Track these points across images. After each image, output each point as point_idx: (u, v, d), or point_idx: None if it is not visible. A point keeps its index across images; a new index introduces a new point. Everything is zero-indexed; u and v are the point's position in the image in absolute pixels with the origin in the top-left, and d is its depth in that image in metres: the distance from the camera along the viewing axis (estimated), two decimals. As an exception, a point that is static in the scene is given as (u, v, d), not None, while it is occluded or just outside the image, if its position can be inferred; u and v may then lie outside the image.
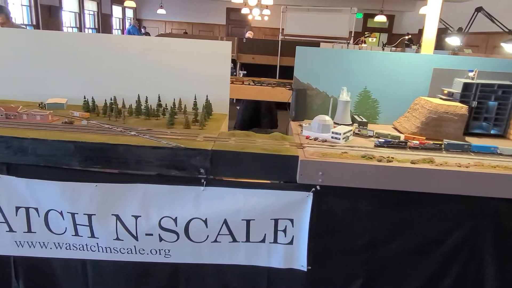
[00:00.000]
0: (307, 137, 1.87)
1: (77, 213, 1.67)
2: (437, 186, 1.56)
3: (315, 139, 1.85)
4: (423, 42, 2.48)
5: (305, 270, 1.71)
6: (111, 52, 2.30)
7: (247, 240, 1.70)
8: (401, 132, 2.08)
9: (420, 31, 15.67)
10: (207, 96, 2.18)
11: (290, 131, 2.22)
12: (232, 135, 1.81)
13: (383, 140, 1.79)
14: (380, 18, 12.88)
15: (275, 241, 1.70)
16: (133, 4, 14.55)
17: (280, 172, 1.62)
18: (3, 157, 1.63)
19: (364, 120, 2.13)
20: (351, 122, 2.16)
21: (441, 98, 2.11)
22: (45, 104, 2.13)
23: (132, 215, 1.67)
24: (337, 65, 2.24)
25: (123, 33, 17.34)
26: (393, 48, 6.03)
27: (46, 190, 1.65)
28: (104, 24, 15.88)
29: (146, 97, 2.09)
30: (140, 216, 1.67)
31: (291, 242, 1.69)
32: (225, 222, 1.65)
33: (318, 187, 1.59)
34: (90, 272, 1.80)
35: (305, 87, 2.25)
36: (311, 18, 9.72)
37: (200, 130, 1.89)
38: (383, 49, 5.90)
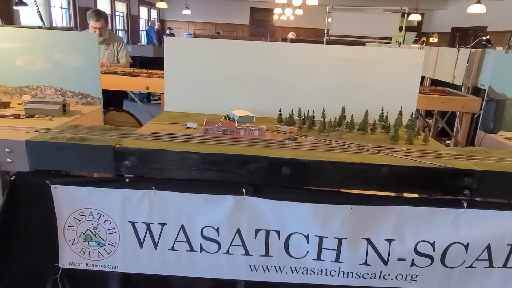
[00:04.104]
0: (542, 153, 1.76)
1: (327, 237, 1.57)
2: None
3: (553, 155, 1.74)
4: None
5: None
6: (287, 61, 2.21)
7: (504, 265, 1.59)
8: None
9: (454, 30, 15.44)
10: (401, 108, 2.07)
11: (484, 143, 2.11)
12: (470, 152, 1.70)
13: None
14: (415, 17, 12.69)
15: (535, 266, 1.59)
16: (165, 5, 14.47)
17: (550, 193, 1.51)
18: (250, 177, 1.54)
19: None
20: (552, 134, 2.04)
21: None
22: (236, 117, 2.03)
23: (385, 239, 1.57)
24: (535, 73, 2.12)
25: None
26: (472, 50, 5.87)
27: (295, 212, 1.55)
28: (132, 25, 15.90)
29: (367, 110, 1.98)
30: (394, 240, 1.56)
31: (553, 267, 1.58)
32: (488, 247, 1.54)
33: None
34: (323, 297, 1.70)
35: (501, 97, 2.14)
36: (358, 18, 9.57)
37: (424, 146, 1.78)
38: (458, 51, 5.75)
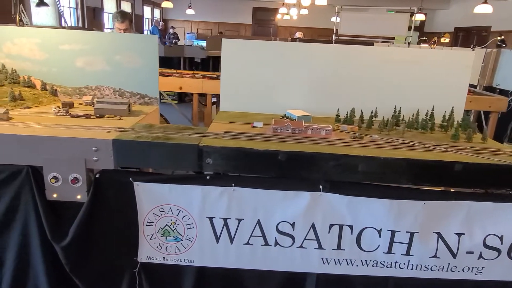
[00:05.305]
0: None
1: (399, 231, 1.65)
2: None
3: None
4: None
5: None
6: (338, 62, 2.28)
7: None
8: None
9: (457, 30, 15.53)
10: (452, 107, 2.14)
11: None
12: (530, 150, 1.78)
13: None
14: (419, 17, 12.78)
15: None
16: (171, 5, 14.50)
17: None
18: (327, 174, 1.61)
19: None
20: None
21: None
22: (295, 117, 2.10)
23: (455, 233, 1.64)
24: None
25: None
26: (488, 50, 5.96)
27: (369, 207, 1.63)
28: (136, 25, 15.90)
29: (418, 110, 2.06)
30: (464, 233, 1.64)
31: None
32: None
33: None
34: (390, 289, 1.78)
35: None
36: (367, 18, 9.65)
37: (484, 144, 1.86)
38: (473, 50, 5.84)
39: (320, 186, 1.62)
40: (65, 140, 1.59)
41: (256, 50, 2.27)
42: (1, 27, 2.25)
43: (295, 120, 2.09)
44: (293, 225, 1.68)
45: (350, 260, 1.72)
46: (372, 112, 2.06)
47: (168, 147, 1.59)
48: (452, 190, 1.66)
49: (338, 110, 2.10)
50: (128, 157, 1.61)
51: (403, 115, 2.14)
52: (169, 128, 1.79)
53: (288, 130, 1.84)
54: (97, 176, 1.64)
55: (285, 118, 2.14)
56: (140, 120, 1.98)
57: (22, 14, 4.27)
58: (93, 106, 2.13)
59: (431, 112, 2.18)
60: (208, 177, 1.64)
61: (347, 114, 2.06)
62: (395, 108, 2.17)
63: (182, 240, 1.73)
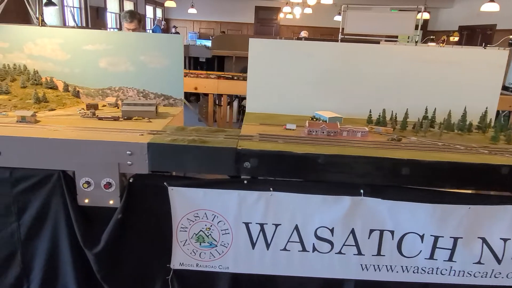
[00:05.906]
0: None
1: (443, 236, 1.60)
2: None
3: None
4: None
5: None
6: (366, 62, 2.23)
7: None
8: None
9: (461, 28, 15.50)
10: (486, 108, 2.09)
11: None
12: None
13: None
14: (424, 15, 12.72)
15: None
16: (174, 4, 14.44)
17: None
18: (368, 178, 1.55)
19: None
20: None
21: None
22: (326, 118, 2.05)
23: (500, 238, 1.59)
24: None
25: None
26: (501, 48, 5.92)
27: (412, 212, 1.58)
28: (139, 24, 15.85)
29: (450, 110, 2.01)
30: (510, 239, 1.59)
31: None
32: None
33: None
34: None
35: None
36: (373, 17, 9.61)
37: (524, 146, 1.81)
38: (484, 49, 5.79)
39: (361, 191, 1.57)
40: (98, 144, 1.54)
41: (284, 50, 2.22)
42: (23, 27, 2.20)
43: (326, 121, 2.03)
44: (332, 230, 1.63)
45: (390, 266, 1.67)
46: (405, 113, 2.01)
47: (206, 150, 1.53)
48: (494, 193, 1.61)
49: (370, 111, 2.04)
50: (163, 160, 1.56)
51: (451, 115, 2.08)
52: (201, 130, 1.74)
53: (323, 132, 1.79)
54: (131, 180, 1.59)
55: (315, 119, 2.09)
56: (170, 122, 1.92)
57: (41, 15, 4.21)
58: (117, 107, 2.09)
59: (463, 113, 2.13)
60: (245, 181, 1.59)
61: (379, 115, 2.00)
62: (426, 109, 2.12)
63: (216, 246, 1.68)
